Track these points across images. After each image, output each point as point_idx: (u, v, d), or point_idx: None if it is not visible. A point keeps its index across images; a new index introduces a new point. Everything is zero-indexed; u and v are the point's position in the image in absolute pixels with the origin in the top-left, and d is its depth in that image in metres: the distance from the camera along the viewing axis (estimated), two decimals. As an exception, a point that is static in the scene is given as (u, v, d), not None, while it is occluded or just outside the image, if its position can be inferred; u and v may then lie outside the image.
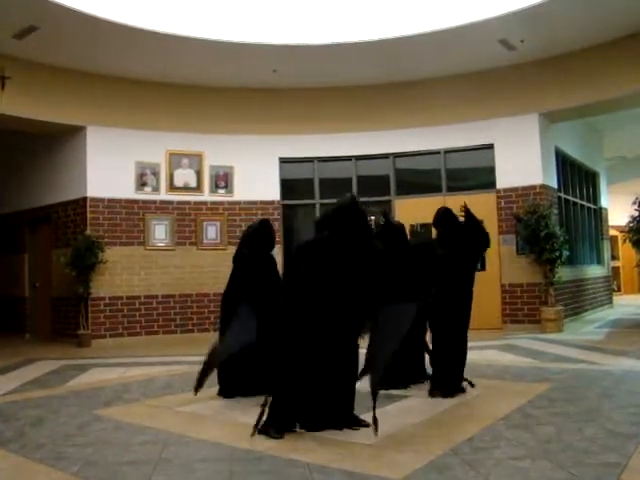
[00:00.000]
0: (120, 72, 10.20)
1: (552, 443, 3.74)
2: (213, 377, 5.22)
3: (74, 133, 10.37)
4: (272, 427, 4.12)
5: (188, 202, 10.94)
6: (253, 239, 5.58)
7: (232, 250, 11.11)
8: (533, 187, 10.37)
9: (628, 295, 18.91)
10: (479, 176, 11.23)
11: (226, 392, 5.48)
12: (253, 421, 4.53)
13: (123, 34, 8.76)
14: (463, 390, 5.35)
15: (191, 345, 9.74)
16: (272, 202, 11.30)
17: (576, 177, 13.05)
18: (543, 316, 9.92)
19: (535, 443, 3.75)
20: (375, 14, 9.32)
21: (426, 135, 11.04)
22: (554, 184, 11.09)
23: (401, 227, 6.01)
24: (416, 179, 11.76)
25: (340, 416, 4.26)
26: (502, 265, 10.53)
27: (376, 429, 3.81)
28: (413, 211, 10.56)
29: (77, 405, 5.40)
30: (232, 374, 5.42)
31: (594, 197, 14.47)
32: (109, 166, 10.30)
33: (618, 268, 19.62)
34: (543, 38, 9.45)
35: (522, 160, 10.42)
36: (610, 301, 14.91)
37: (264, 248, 5.61)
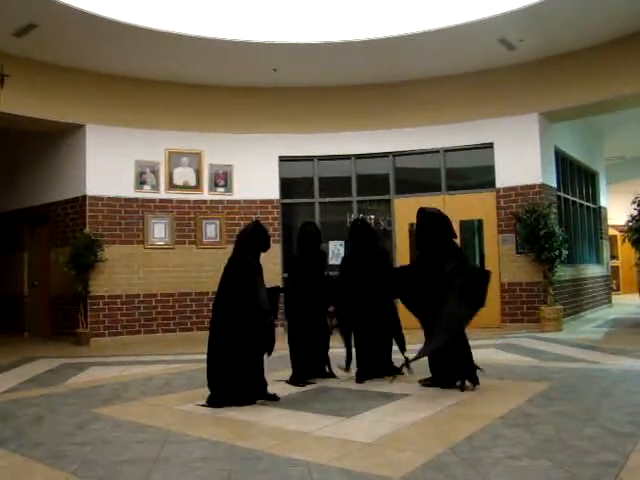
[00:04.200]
0: (120, 70, 10.19)
1: (551, 442, 3.74)
2: (204, 379, 5.21)
3: (73, 131, 10.36)
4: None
5: (187, 201, 10.94)
6: (250, 243, 5.36)
7: (231, 248, 11.13)
8: (532, 186, 10.37)
9: (627, 294, 18.90)
10: (479, 175, 11.23)
11: (216, 401, 5.09)
12: (253, 420, 4.55)
13: (123, 32, 8.76)
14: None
15: (190, 344, 9.74)
16: (271, 201, 11.30)
17: (576, 176, 13.06)
18: (542, 315, 9.92)
19: (534, 442, 3.75)
20: (374, 13, 9.31)
21: (426, 134, 11.04)
22: (553, 183, 11.09)
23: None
24: (416, 178, 11.75)
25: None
26: (501, 264, 10.54)
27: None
28: (412, 210, 10.42)
29: (76, 404, 5.39)
30: (222, 383, 5.11)
31: (593, 196, 14.48)
32: (108, 164, 10.30)
33: (617, 267, 19.63)
34: (542, 37, 9.44)
35: (522, 159, 10.42)
36: (609, 300, 14.92)
37: (259, 251, 5.46)
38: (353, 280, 6.10)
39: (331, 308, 6.35)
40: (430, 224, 5.69)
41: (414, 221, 6.08)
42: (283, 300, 6.13)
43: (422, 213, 5.83)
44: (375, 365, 6.06)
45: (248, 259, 5.24)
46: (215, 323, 5.24)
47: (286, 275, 7.58)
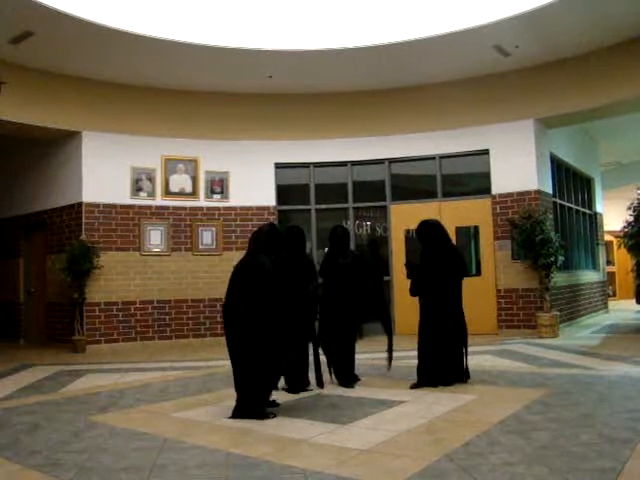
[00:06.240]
0: (115, 77, 10.20)
1: (548, 449, 3.74)
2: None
3: (69, 138, 10.36)
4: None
5: (184, 208, 10.93)
6: (265, 244, 5.11)
7: (227, 255, 11.08)
8: (528, 192, 10.39)
9: (623, 300, 18.93)
10: (474, 182, 11.25)
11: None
12: (249, 427, 4.54)
13: (118, 39, 8.76)
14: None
15: (186, 351, 9.73)
16: (267, 208, 11.29)
17: (571, 182, 13.09)
18: (539, 321, 9.93)
19: (531, 449, 3.75)
20: (369, 20, 9.34)
21: (421, 141, 11.06)
22: (549, 189, 11.12)
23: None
24: (412, 185, 11.76)
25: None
26: (497, 270, 10.55)
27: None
28: (408, 217, 10.56)
29: (72, 411, 5.37)
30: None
31: (589, 202, 14.52)
32: (104, 171, 10.29)
33: (613, 273, 19.66)
34: (537, 44, 9.49)
35: (517, 166, 10.44)
36: (605, 306, 14.95)
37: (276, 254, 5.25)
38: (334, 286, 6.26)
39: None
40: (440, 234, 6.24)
41: (410, 227, 6.21)
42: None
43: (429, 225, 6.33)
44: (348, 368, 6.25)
45: (260, 258, 4.96)
46: (233, 330, 4.90)
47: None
